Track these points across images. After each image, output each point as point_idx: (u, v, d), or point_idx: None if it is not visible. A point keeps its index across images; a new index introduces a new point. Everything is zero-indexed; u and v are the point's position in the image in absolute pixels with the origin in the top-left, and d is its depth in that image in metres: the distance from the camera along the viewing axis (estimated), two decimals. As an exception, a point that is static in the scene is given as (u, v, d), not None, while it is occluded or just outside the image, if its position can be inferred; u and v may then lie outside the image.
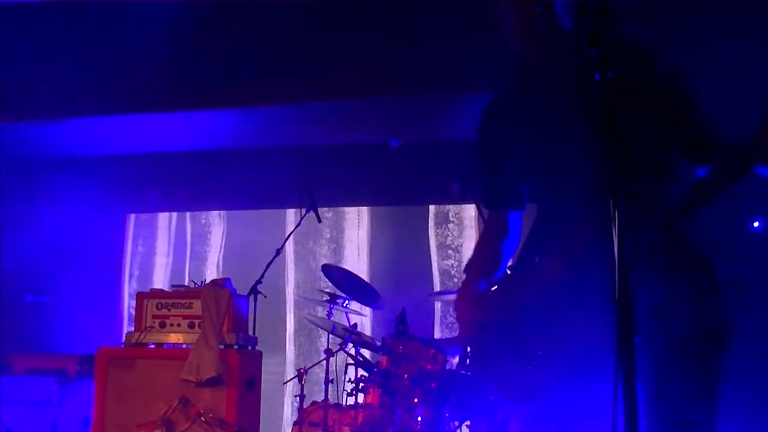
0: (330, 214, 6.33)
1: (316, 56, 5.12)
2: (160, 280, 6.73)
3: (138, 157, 6.43)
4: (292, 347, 6.52)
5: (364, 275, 6.10)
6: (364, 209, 6.50)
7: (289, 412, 6.32)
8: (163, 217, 6.90)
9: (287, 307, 6.54)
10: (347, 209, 6.50)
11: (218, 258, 6.78)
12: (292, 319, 6.56)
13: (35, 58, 5.40)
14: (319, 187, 5.17)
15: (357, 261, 6.44)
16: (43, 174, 6.37)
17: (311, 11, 5.08)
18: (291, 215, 6.50)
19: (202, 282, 4.57)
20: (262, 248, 6.29)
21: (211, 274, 6.62)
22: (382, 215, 6.47)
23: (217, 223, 6.83)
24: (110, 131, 5.99)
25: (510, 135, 2.02)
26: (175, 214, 6.87)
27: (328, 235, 6.47)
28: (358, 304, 4.90)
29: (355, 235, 6.54)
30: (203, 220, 6.85)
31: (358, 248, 6.51)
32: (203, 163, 6.38)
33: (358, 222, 6.54)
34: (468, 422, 4.17)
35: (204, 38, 5.28)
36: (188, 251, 6.79)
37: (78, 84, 5.34)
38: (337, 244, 6.54)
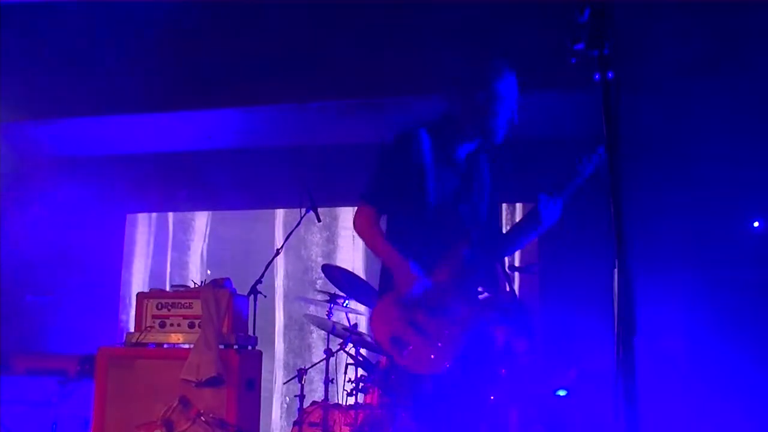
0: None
1: (316, 56, 5.12)
2: (141, 271, 6.68)
3: (138, 157, 6.42)
4: (282, 343, 6.41)
5: (360, 265, 6.04)
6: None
7: (278, 413, 6.25)
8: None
9: (276, 301, 6.40)
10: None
11: (202, 248, 6.70)
12: (282, 314, 6.44)
13: (35, 58, 5.39)
14: (318, 187, 5.17)
15: (352, 250, 6.31)
16: (42, 174, 6.37)
17: (311, 11, 5.08)
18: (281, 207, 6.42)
19: (202, 282, 4.57)
20: (248, 239, 6.28)
21: (194, 264, 6.57)
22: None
23: (201, 213, 6.75)
24: (110, 131, 5.98)
25: (418, 168, 2.63)
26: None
27: (321, 223, 6.36)
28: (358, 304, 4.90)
29: (349, 223, 6.38)
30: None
31: (354, 237, 6.37)
32: (203, 163, 6.37)
33: (353, 209, 6.38)
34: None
35: (204, 38, 5.28)
36: (170, 240, 6.72)
37: (78, 84, 5.34)
38: (330, 232, 6.40)
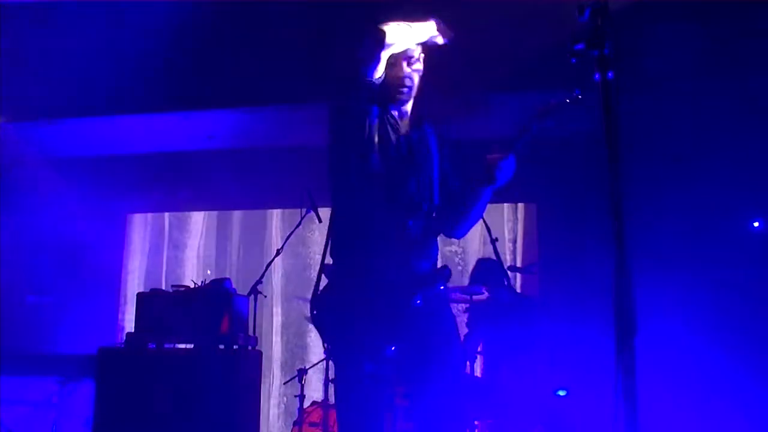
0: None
1: (316, 56, 5.12)
2: (136, 270, 6.68)
3: (138, 157, 6.42)
4: (279, 342, 6.40)
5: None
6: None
7: (275, 413, 6.22)
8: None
9: (274, 298, 6.40)
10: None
11: (198, 247, 6.70)
12: (280, 312, 6.43)
13: (35, 58, 5.39)
14: (318, 187, 5.16)
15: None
16: (43, 174, 6.37)
17: (312, 11, 5.08)
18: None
19: (202, 282, 4.57)
20: (246, 238, 6.27)
21: (191, 263, 6.57)
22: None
23: (197, 212, 6.73)
24: (110, 131, 5.98)
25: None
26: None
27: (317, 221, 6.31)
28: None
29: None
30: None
31: None
32: (203, 163, 6.37)
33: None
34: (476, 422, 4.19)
35: (204, 38, 5.28)
36: (166, 239, 6.72)
37: (78, 84, 5.34)
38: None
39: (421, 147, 2.64)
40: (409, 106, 2.70)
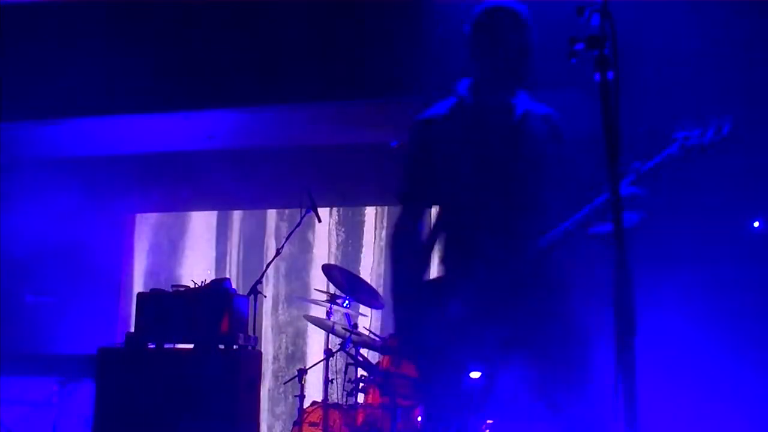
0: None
1: (317, 57, 5.12)
2: (136, 268, 6.69)
3: (138, 157, 6.43)
4: (279, 342, 6.41)
5: (359, 260, 6.05)
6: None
7: (275, 414, 6.22)
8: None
9: (274, 298, 6.42)
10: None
11: (198, 247, 6.71)
12: (280, 312, 6.45)
13: (35, 58, 5.39)
14: (319, 187, 5.16)
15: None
16: (43, 174, 6.37)
17: (312, 12, 5.08)
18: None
19: (202, 282, 4.57)
20: (246, 238, 6.29)
21: (190, 264, 6.58)
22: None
23: (196, 212, 6.75)
24: (110, 131, 5.98)
25: (438, 151, 2.41)
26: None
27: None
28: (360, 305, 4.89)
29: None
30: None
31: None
32: (203, 163, 6.38)
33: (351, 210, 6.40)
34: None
35: (204, 38, 5.28)
36: (165, 239, 6.74)
37: (78, 84, 5.34)
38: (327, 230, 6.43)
39: (517, 150, 2.37)
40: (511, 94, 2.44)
